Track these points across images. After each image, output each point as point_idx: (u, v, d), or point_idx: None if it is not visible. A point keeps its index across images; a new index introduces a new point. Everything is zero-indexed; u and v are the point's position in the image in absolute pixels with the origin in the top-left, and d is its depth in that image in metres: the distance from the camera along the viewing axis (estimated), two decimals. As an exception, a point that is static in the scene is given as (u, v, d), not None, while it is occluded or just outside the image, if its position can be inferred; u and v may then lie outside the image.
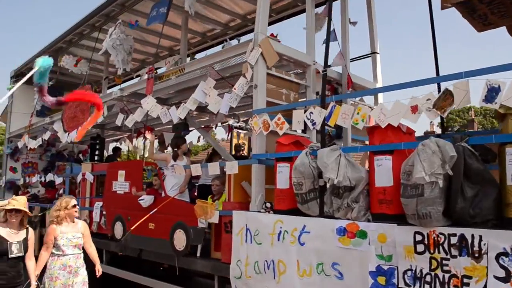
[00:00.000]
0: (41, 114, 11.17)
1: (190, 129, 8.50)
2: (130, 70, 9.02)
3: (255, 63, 5.05)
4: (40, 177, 10.09)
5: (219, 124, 9.04)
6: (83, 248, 5.04)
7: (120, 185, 6.95)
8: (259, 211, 4.78)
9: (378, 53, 7.25)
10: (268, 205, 4.69)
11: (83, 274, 5.03)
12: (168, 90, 7.24)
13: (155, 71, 6.96)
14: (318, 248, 4.10)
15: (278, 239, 4.45)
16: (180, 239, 5.64)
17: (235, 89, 5.24)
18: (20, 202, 4.60)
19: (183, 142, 6.27)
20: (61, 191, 9.20)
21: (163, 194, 6.13)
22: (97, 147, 10.56)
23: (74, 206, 5.03)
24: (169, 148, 8.78)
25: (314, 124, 4.38)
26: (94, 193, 8.10)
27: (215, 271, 5.19)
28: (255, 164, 4.90)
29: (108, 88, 10.44)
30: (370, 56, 7.23)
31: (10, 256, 4.40)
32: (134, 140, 10.22)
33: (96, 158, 10.46)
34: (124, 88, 7.74)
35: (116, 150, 10.36)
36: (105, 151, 10.89)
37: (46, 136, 9.86)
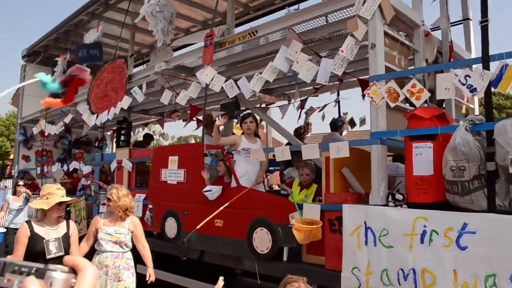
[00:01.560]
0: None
1: (242, 108, 7.41)
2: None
3: (371, 17, 3.97)
4: (62, 166, 8.93)
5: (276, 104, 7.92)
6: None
7: (173, 173, 5.85)
8: (386, 205, 3.73)
9: (470, 20, 6.17)
10: (400, 196, 3.64)
11: (128, 280, 4.15)
12: (229, 60, 6.13)
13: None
14: (489, 254, 3.07)
15: (422, 242, 3.40)
16: (262, 240, 4.58)
17: (342, 51, 4.16)
18: (63, 191, 3.87)
19: (250, 116, 5.17)
20: (87, 182, 8.09)
21: (233, 184, 5.05)
22: (123, 132, 9.41)
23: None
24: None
25: (473, 90, 3.31)
26: (133, 183, 7.00)
27: (315, 280, 4.13)
28: (377, 144, 3.84)
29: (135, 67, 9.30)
30: (461, 23, 6.16)
31: (48, 256, 3.60)
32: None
33: (121, 144, 9.31)
34: (169, 60, 6.61)
35: (147, 137, 9.21)
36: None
37: (68, 119, 8.71)
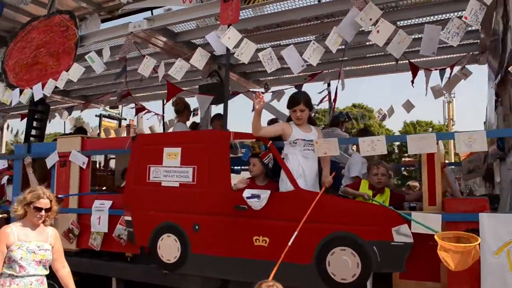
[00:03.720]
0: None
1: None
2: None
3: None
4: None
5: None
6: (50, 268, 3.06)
7: (172, 172, 4.15)
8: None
9: None
10: None
11: None
12: (252, 24, 4.67)
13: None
14: None
15: None
16: (344, 264, 3.31)
17: (466, 18, 3.20)
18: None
19: (301, 102, 3.84)
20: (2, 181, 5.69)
21: (286, 187, 3.66)
22: (38, 117, 6.92)
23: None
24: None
25: None
26: (87, 185, 4.97)
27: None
28: None
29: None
30: None
31: None
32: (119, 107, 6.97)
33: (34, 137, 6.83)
34: (154, 18, 4.84)
35: (80, 131, 6.86)
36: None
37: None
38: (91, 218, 4.72)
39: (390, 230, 3.20)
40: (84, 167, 4.94)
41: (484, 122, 5.55)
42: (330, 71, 6.22)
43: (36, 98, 5.45)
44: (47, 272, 3.01)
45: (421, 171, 3.45)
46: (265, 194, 3.57)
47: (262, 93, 5.59)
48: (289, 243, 3.19)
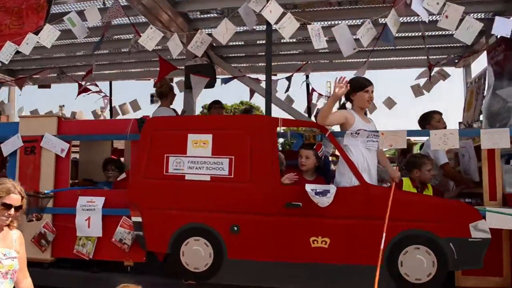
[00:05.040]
0: None
1: (221, 77, 5.37)
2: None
3: None
4: None
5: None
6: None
7: (200, 163, 3.49)
8: None
9: None
10: None
11: None
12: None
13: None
14: None
15: None
16: (418, 263, 3.11)
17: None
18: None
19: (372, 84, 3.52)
20: None
21: (350, 182, 3.30)
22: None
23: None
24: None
25: None
26: (66, 178, 3.96)
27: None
28: None
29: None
30: None
31: None
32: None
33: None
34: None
35: None
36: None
37: None
38: (76, 219, 3.78)
39: (467, 226, 3.09)
40: (63, 155, 3.93)
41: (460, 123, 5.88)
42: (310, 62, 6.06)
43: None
44: (12, 285, 2.33)
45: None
46: (333, 189, 3.18)
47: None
48: (381, 246, 2.84)
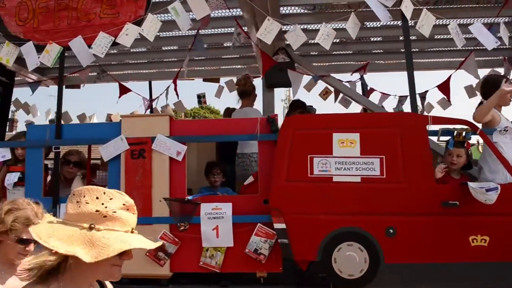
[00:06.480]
0: None
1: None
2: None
3: None
4: None
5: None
6: None
7: (348, 164, 3.29)
8: None
9: None
10: None
11: None
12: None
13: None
14: None
15: None
16: None
17: None
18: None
19: None
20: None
21: (505, 179, 3.27)
22: None
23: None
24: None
25: None
26: (183, 184, 3.55)
27: None
28: None
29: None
30: None
31: None
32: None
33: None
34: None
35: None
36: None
37: None
38: (201, 229, 3.41)
39: None
40: (180, 159, 3.54)
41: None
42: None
43: (84, 61, 3.69)
44: None
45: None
46: (497, 186, 3.14)
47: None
48: None
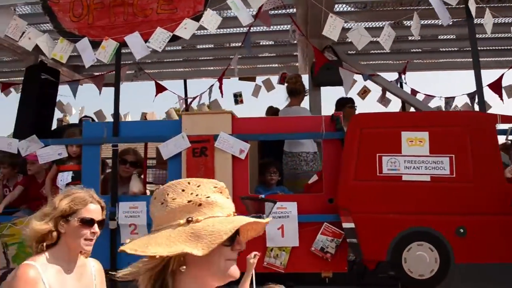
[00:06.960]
0: None
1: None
2: None
3: None
4: None
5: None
6: None
7: (418, 162, 3.25)
8: None
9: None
10: None
11: None
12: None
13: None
14: None
15: None
16: None
17: None
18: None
19: None
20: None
21: None
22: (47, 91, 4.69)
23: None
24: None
25: None
26: (246, 183, 3.50)
27: None
28: None
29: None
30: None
31: None
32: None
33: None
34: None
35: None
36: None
37: None
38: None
39: None
40: (243, 157, 3.49)
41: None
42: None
43: (137, 56, 3.63)
44: None
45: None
46: None
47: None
48: None
